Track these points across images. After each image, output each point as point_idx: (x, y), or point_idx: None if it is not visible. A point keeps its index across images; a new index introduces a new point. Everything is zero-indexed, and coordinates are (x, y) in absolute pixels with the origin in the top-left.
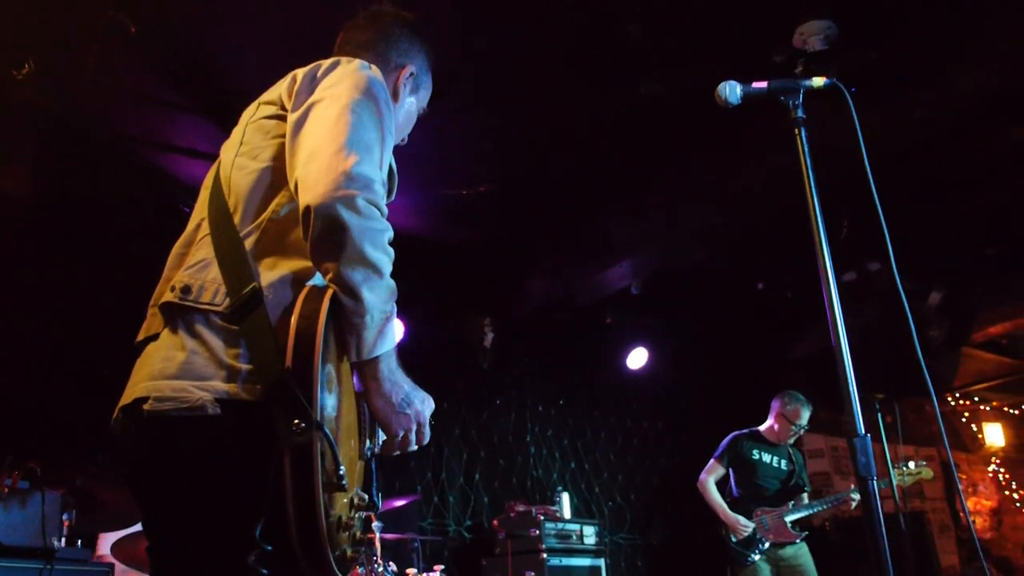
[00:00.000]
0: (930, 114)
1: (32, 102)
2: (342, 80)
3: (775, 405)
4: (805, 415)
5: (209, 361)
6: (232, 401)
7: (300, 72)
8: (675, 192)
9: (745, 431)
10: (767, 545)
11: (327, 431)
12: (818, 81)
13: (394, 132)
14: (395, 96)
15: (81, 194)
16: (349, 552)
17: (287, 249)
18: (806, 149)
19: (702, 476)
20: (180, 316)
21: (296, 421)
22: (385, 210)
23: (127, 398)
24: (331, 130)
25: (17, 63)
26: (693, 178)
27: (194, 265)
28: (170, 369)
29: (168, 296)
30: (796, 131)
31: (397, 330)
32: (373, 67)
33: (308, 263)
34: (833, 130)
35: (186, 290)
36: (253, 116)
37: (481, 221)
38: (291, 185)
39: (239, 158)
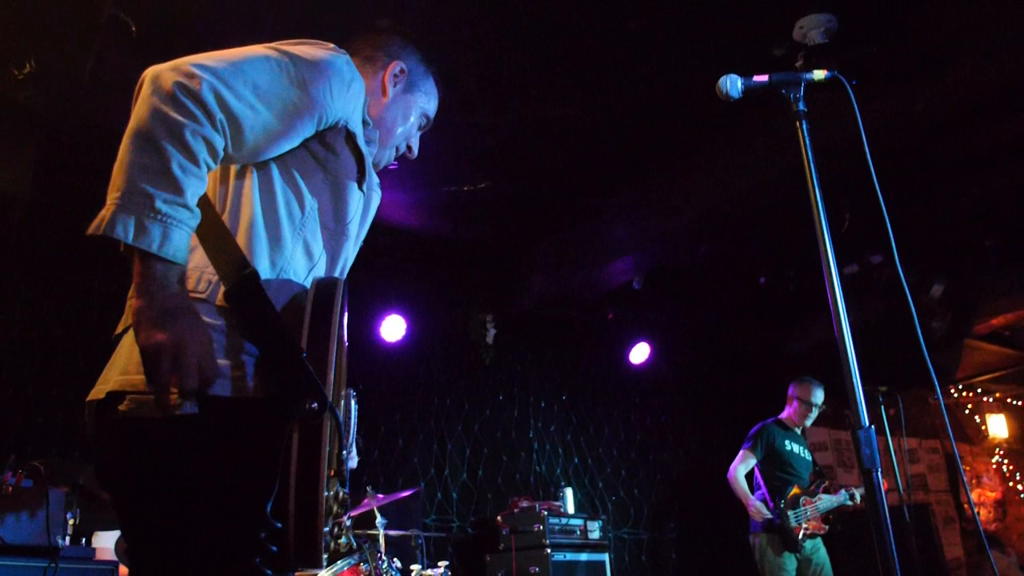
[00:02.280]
0: (930, 106)
1: (33, 102)
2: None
3: (790, 390)
4: (819, 393)
5: None
6: (219, 397)
7: None
8: (676, 187)
9: (770, 420)
10: (807, 534)
11: (338, 413)
12: (819, 74)
13: (327, 103)
14: (383, 92)
15: (82, 193)
16: (331, 541)
17: (271, 232)
18: (807, 142)
19: (733, 468)
20: None
21: (309, 403)
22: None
23: (98, 392)
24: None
25: (18, 63)
26: (694, 172)
27: None
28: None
29: None
30: (797, 124)
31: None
32: (342, 53)
33: (297, 246)
34: (834, 123)
35: None
36: None
37: (483, 217)
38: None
39: None
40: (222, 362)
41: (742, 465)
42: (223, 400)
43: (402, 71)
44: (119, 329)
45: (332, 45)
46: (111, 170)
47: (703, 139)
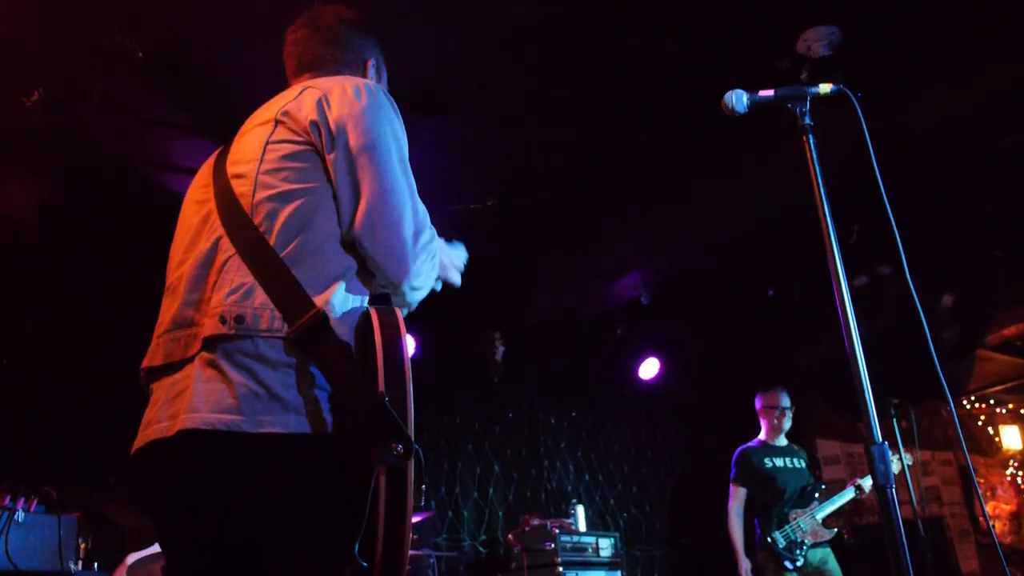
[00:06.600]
0: (937, 116)
1: (41, 128)
2: (367, 119)
3: (756, 406)
4: (782, 396)
5: (267, 393)
6: (298, 435)
7: (310, 99)
8: (683, 201)
9: (748, 444)
10: (808, 546)
11: (419, 448)
12: (825, 87)
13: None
14: None
15: (90, 218)
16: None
17: (331, 271)
18: (814, 155)
19: (728, 507)
20: (226, 345)
21: (394, 444)
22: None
23: (168, 430)
24: (386, 195)
25: (26, 90)
26: (701, 187)
27: (236, 291)
28: (223, 403)
29: (219, 328)
30: (804, 138)
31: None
32: (368, 82)
33: (353, 285)
34: (841, 135)
35: (240, 319)
36: (272, 136)
37: (490, 235)
38: (347, 221)
39: (264, 176)
40: (296, 397)
41: (734, 502)
42: (304, 436)
43: (374, 65)
44: (160, 361)
45: (367, 84)
46: (118, 196)
47: (709, 154)
